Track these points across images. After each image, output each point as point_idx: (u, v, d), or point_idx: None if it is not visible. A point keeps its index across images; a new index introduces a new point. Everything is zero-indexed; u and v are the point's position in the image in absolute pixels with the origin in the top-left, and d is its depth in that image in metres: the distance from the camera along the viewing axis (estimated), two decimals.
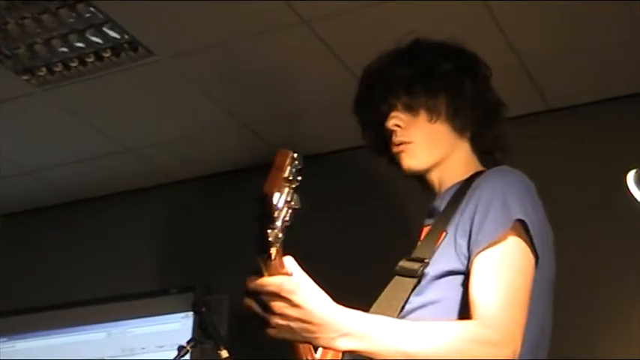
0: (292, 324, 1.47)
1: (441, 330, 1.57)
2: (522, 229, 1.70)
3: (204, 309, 2.74)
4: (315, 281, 1.53)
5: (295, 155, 1.45)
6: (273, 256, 1.42)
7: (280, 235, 1.41)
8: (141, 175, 4.07)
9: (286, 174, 1.42)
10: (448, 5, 2.85)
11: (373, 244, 3.44)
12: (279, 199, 1.39)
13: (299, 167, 1.44)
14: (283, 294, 1.45)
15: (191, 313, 3.29)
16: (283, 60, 3.21)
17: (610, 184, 3.06)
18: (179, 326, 3.71)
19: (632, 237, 3.08)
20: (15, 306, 4.13)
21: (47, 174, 4.08)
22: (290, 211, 1.42)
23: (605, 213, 3.14)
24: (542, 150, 3.37)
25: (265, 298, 1.46)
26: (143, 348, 3.83)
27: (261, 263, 1.44)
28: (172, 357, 2.64)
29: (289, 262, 1.51)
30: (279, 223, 1.40)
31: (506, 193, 1.73)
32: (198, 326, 2.73)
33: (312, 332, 1.49)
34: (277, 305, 1.46)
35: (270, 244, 1.40)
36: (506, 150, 2.02)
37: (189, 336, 2.79)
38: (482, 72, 2.02)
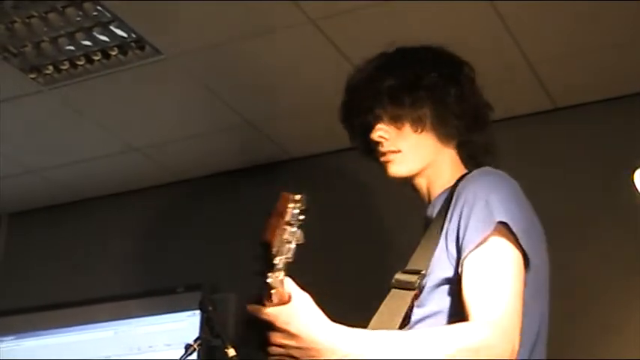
0: (292, 352, 1.50)
1: (440, 336, 1.57)
2: (507, 230, 1.68)
3: (210, 307, 2.74)
4: (313, 297, 1.54)
5: (297, 197, 1.48)
6: (272, 297, 1.46)
7: (281, 276, 1.45)
8: (147, 174, 4.07)
9: (287, 218, 1.45)
10: (455, 5, 2.85)
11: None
12: (280, 243, 1.43)
13: (302, 207, 1.47)
14: (279, 325, 1.48)
15: (198, 312, 3.29)
16: (290, 58, 3.21)
17: (617, 182, 3.05)
18: (186, 325, 3.71)
19: (638, 235, 3.07)
20: (21, 304, 4.14)
21: (53, 173, 4.09)
22: (293, 247, 1.45)
23: (612, 211, 3.14)
24: (549, 149, 3.36)
25: (264, 326, 1.49)
26: (150, 346, 3.83)
27: (262, 292, 1.48)
28: (180, 355, 2.64)
29: (288, 283, 1.50)
30: (280, 266, 1.44)
31: (488, 196, 1.72)
32: (205, 325, 2.73)
33: (314, 356, 1.50)
34: (275, 335, 1.49)
35: (269, 287, 1.45)
36: (494, 154, 2.00)
37: (196, 334, 2.79)
38: (468, 77, 1.99)
